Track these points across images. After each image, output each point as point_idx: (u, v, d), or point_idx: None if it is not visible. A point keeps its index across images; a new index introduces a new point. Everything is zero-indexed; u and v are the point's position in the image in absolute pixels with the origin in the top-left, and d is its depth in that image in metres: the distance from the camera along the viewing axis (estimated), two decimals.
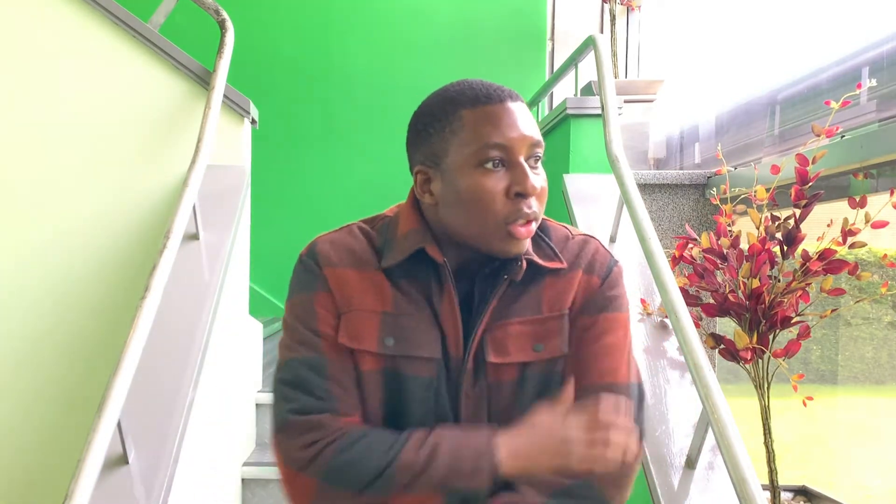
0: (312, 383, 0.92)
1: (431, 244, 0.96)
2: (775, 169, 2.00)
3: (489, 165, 0.90)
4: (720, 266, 2.00)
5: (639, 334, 2.12)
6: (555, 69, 4.27)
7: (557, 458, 0.88)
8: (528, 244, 0.94)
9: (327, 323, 0.95)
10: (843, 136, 2.34)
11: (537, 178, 0.92)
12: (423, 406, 0.95)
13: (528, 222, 0.92)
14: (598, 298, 0.99)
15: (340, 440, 0.89)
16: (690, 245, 2.09)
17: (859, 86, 2.05)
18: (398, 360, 0.95)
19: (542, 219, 1.02)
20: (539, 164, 0.94)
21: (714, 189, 2.30)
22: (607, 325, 0.98)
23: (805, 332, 1.92)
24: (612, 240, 2.48)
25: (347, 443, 0.89)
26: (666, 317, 2.01)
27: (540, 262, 0.97)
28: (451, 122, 0.92)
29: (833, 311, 2.00)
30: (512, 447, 0.88)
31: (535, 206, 0.92)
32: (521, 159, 0.91)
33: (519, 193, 0.90)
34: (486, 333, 0.95)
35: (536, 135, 0.92)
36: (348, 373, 0.94)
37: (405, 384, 0.95)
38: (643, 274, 2.31)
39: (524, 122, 0.92)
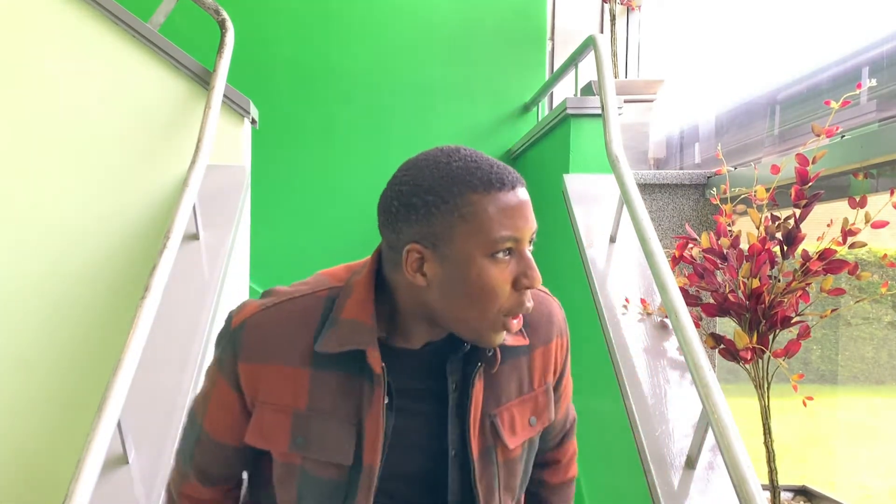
0: (188, 452, 1.03)
1: (374, 347, 0.89)
2: (775, 169, 2.00)
3: (500, 255, 0.86)
4: (720, 266, 2.00)
5: (639, 334, 2.12)
6: (555, 69, 4.27)
7: None
8: None
9: (214, 422, 0.99)
10: (843, 136, 2.34)
11: None
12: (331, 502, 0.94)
13: (522, 315, 0.91)
14: (566, 354, 1.06)
15: None
16: (690, 245, 2.09)
17: (859, 86, 2.05)
18: (307, 461, 0.93)
19: None
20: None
21: (714, 189, 2.30)
22: (568, 370, 1.09)
23: (805, 332, 1.92)
24: (612, 240, 2.48)
25: None
26: (666, 317, 2.01)
27: (509, 343, 0.95)
28: (460, 207, 0.84)
29: (833, 311, 1.99)
30: None
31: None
32: (526, 249, 0.88)
33: (527, 286, 0.88)
34: (494, 418, 0.96)
35: (535, 222, 0.90)
36: (221, 457, 1.01)
37: (315, 483, 0.93)
38: (643, 274, 2.31)
39: (531, 210, 0.89)
